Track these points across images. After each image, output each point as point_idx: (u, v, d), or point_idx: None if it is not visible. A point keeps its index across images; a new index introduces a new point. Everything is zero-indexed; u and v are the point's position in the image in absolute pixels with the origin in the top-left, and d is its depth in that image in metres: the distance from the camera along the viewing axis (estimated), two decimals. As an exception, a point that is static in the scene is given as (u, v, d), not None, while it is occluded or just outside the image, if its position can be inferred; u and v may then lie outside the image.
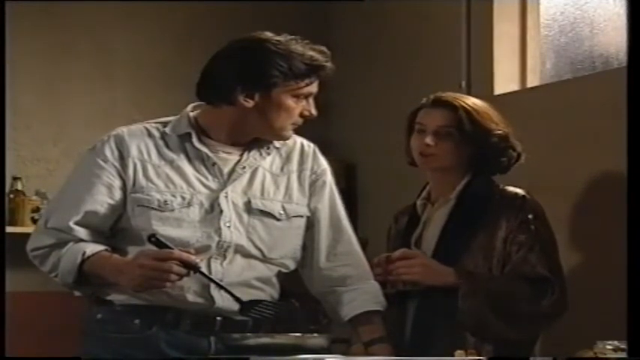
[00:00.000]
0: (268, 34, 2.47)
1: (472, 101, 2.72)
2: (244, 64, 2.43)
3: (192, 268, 2.34)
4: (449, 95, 2.72)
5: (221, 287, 2.41)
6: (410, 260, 2.60)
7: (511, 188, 2.71)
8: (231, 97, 2.44)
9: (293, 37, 2.47)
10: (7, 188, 4.47)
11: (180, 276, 2.33)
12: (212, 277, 2.41)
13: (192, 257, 2.34)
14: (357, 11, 4.91)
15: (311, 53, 2.45)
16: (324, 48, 2.48)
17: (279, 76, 2.42)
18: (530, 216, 2.63)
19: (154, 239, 2.36)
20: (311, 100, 2.50)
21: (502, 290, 2.57)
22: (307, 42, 2.47)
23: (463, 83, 4.21)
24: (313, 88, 2.49)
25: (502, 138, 2.68)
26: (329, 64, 2.47)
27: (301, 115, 2.49)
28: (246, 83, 2.43)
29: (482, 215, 2.64)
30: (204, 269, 2.40)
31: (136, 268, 2.34)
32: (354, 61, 4.59)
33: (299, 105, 2.48)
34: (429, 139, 2.66)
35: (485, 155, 2.68)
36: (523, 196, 2.67)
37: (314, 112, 2.50)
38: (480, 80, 4.19)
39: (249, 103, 2.44)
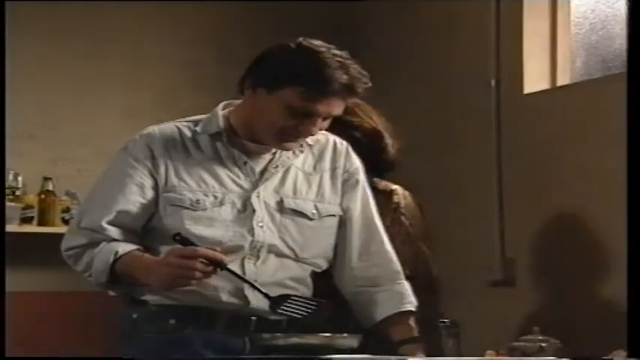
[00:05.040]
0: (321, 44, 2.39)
1: None
2: (299, 68, 2.35)
3: (218, 265, 2.32)
4: None
5: (250, 284, 2.39)
6: None
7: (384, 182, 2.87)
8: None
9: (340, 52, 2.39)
10: (38, 189, 4.50)
11: (206, 274, 2.31)
12: (246, 277, 2.39)
13: (218, 254, 2.32)
14: (386, 10, 4.90)
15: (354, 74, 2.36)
16: (365, 72, 2.39)
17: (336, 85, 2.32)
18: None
19: (179, 237, 2.35)
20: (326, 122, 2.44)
21: None
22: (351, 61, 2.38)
23: (492, 81, 4.19)
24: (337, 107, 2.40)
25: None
26: (360, 90, 2.39)
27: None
28: (302, 86, 2.35)
29: None
30: (238, 269, 2.38)
31: (163, 267, 2.33)
32: (383, 60, 4.56)
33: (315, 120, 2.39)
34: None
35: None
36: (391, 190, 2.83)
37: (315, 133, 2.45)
38: (510, 78, 4.16)
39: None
